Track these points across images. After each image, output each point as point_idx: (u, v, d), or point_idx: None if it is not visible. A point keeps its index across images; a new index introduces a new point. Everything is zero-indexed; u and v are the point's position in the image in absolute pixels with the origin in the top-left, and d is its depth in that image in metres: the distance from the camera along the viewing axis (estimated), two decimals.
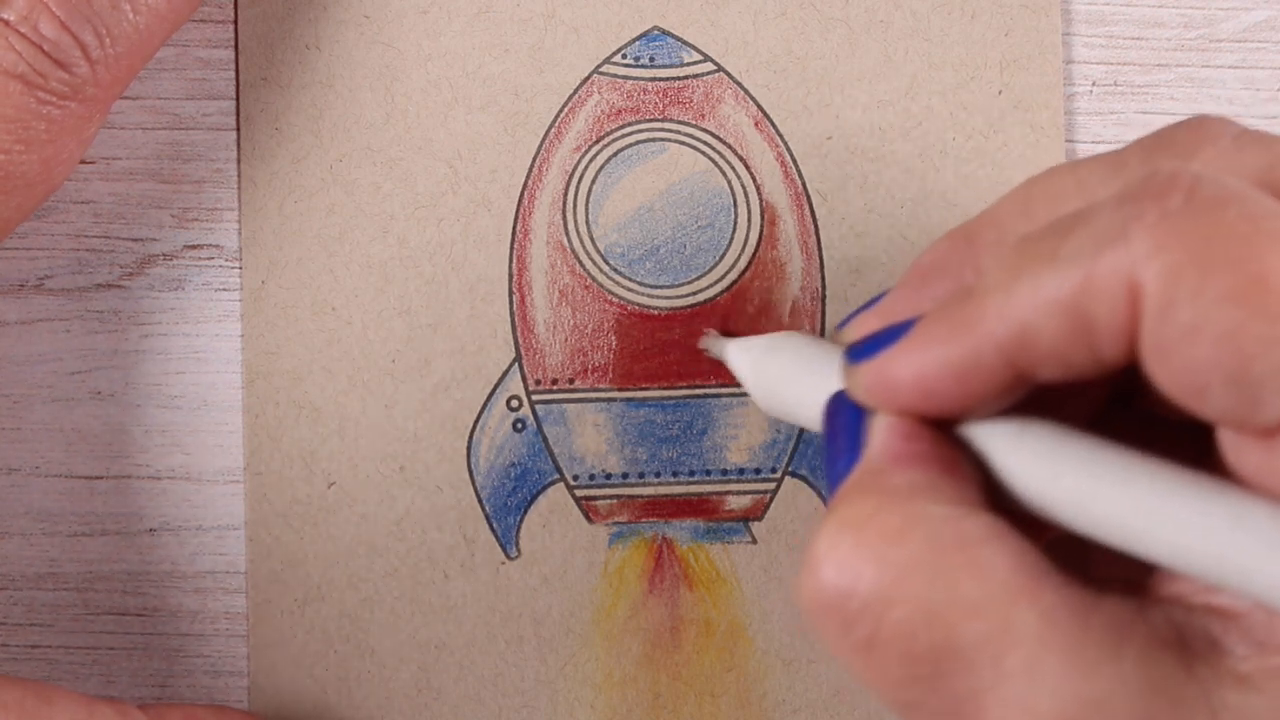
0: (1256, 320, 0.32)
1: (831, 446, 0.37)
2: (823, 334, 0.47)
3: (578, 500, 0.47)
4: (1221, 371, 0.32)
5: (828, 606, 0.34)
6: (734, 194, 0.47)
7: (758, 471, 0.47)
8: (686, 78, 0.47)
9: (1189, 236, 0.32)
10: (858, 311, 0.40)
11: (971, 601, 0.33)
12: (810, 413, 0.39)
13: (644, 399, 0.47)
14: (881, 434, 0.36)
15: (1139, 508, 0.33)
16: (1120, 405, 0.37)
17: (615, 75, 0.47)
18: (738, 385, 0.47)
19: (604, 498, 0.47)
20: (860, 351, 0.37)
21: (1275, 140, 0.35)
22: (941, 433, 0.36)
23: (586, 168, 0.47)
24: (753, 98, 0.47)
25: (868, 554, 0.34)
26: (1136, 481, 0.34)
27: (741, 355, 0.43)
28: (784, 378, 0.41)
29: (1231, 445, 0.34)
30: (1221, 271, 0.32)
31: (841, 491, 0.35)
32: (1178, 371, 0.33)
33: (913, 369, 0.35)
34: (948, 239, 0.38)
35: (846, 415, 0.37)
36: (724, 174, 0.47)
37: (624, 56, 0.47)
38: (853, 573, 0.34)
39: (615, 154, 0.47)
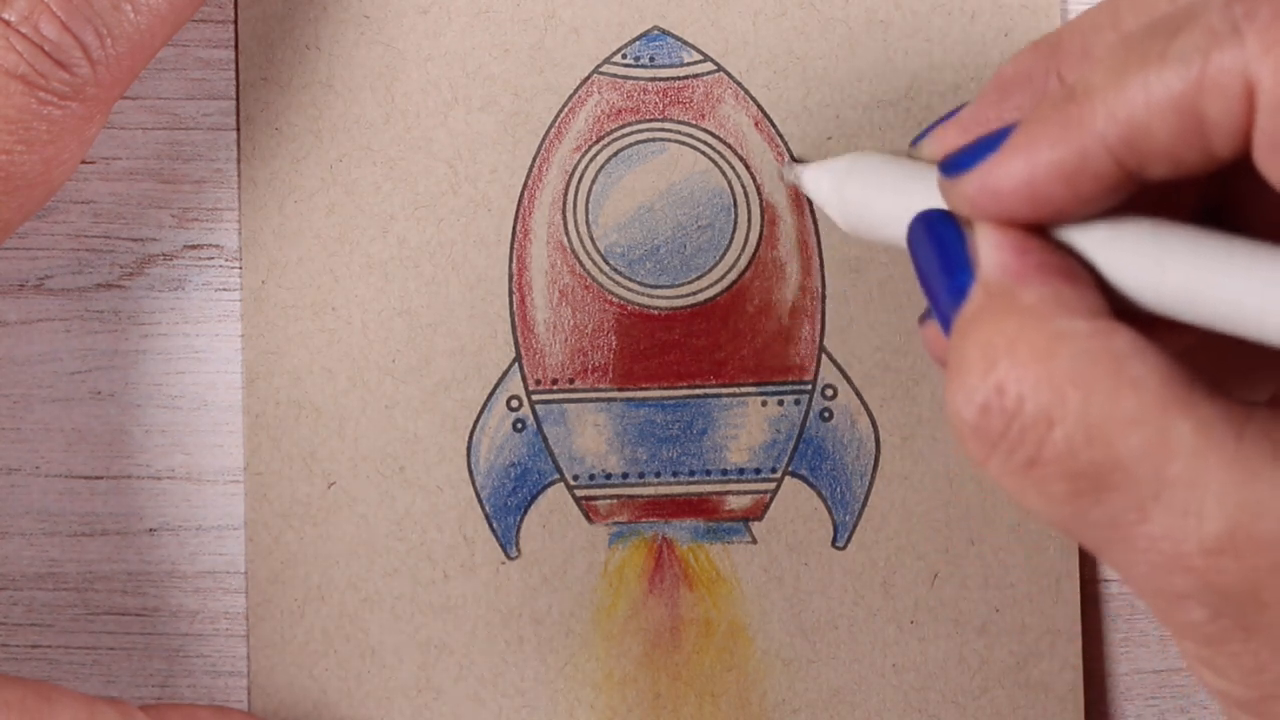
0: None
1: (928, 266, 0.37)
2: (823, 333, 0.47)
3: (578, 500, 0.47)
4: None
5: (989, 431, 0.34)
6: (734, 194, 0.47)
7: (758, 471, 0.47)
8: (686, 78, 0.47)
9: None
10: (934, 125, 0.40)
11: (1129, 415, 0.33)
12: (898, 232, 0.39)
13: (644, 399, 0.47)
14: (993, 250, 0.36)
15: (1261, 285, 0.34)
16: (1211, 221, 0.37)
17: (615, 75, 0.47)
18: (738, 385, 0.47)
19: (604, 498, 0.47)
20: (957, 163, 0.37)
21: None
22: (1050, 242, 0.36)
23: (586, 168, 0.47)
24: (753, 98, 0.47)
25: (1025, 375, 0.34)
26: (1254, 261, 0.34)
27: (821, 178, 0.42)
28: (868, 198, 0.40)
29: None
30: None
31: (970, 313, 0.35)
32: None
33: (1020, 174, 0.35)
34: (1031, 49, 0.38)
35: (943, 233, 0.37)
36: (724, 174, 0.47)
37: (624, 56, 0.47)
38: (1014, 395, 0.34)
39: (615, 154, 0.47)
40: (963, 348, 0.35)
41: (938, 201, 0.38)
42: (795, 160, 0.46)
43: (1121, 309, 0.35)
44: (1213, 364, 0.37)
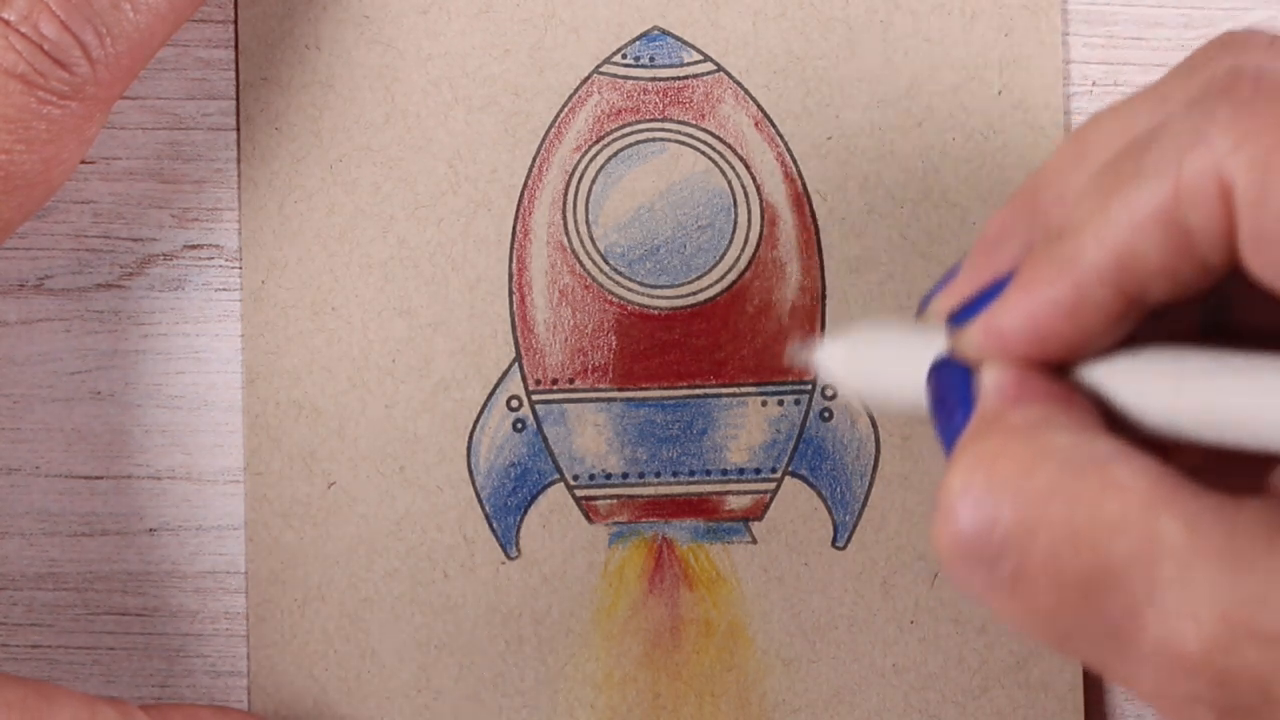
0: None
1: (941, 410, 0.37)
2: (823, 333, 0.47)
3: (578, 500, 0.47)
4: None
5: (969, 547, 0.34)
6: (734, 194, 0.47)
7: (758, 471, 0.47)
8: (686, 78, 0.47)
9: (1268, 122, 0.32)
10: (933, 293, 0.40)
11: (1114, 519, 0.33)
12: (915, 394, 0.39)
13: (644, 399, 0.47)
14: (993, 382, 0.36)
15: (1270, 401, 0.33)
16: (1213, 334, 0.37)
17: (615, 75, 0.47)
18: (738, 385, 0.47)
19: (604, 498, 0.47)
20: (963, 315, 0.37)
21: None
22: (1054, 375, 0.36)
23: (586, 168, 0.47)
24: (753, 98, 0.47)
25: (1003, 487, 0.33)
26: (1263, 376, 0.33)
27: (831, 360, 0.43)
28: (879, 371, 0.40)
29: None
30: None
31: (961, 441, 0.35)
32: (1277, 261, 0.33)
33: (1023, 315, 0.35)
34: (1009, 206, 0.38)
35: (952, 378, 0.37)
36: (724, 174, 0.47)
37: (624, 56, 0.47)
38: (991, 508, 0.33)
39: (615, 154, 0.47)
40: (949, 473, 0.34)
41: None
42: (803, 344, 0.46)
43: (1141, 438, 0.35)
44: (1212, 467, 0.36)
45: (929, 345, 0.39)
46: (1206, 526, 0.32)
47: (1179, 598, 0.32)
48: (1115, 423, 0.35)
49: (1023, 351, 0.36)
